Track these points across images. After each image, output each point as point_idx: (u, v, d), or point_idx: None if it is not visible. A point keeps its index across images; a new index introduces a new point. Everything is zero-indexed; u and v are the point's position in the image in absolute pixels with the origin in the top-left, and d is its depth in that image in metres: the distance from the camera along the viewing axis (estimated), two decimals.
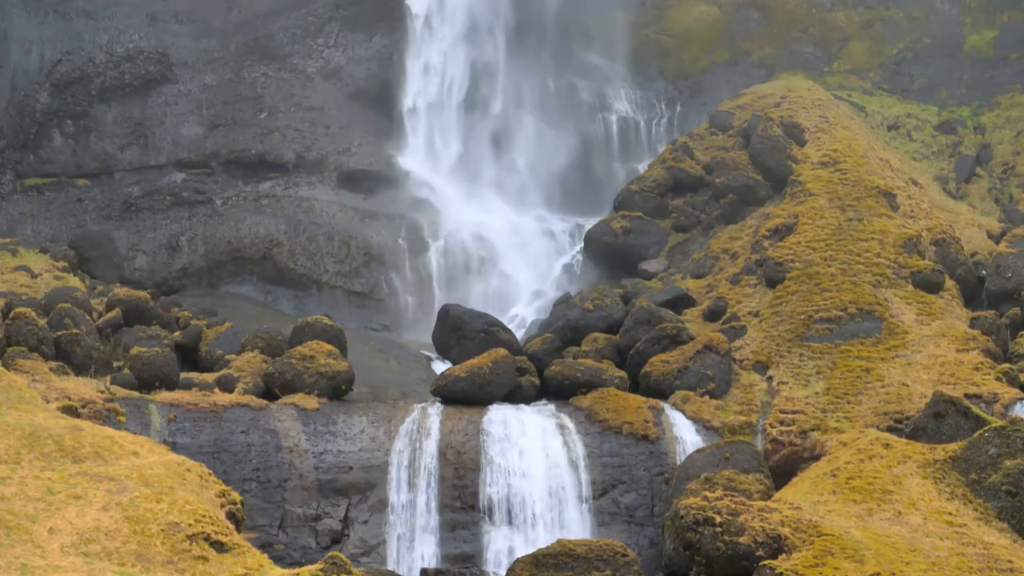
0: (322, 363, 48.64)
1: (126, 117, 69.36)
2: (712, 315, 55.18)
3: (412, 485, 45.92)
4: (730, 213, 62.43)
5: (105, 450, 36.31)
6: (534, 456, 46.40)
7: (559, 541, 39.52)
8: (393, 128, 71.84)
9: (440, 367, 54.95)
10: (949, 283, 55.20)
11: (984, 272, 56.69)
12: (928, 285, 54.32)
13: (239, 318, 57.14)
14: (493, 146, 73.92)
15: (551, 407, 48.91)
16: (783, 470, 46.03)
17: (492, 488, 45.81)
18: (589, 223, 66.94)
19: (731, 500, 38.49)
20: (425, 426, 46.95)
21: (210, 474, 37.39)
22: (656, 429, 47.42)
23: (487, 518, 45.57)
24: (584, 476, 46.33)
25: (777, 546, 37.16)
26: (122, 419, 44.24)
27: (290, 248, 66.71)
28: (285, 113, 70.51)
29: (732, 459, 44.76)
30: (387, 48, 72.68)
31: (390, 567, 44.60)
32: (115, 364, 48.82)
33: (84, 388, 45.19)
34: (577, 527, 45.48)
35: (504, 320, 56.94)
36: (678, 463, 46.29)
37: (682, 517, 38.19)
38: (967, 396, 46.70)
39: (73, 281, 59.13)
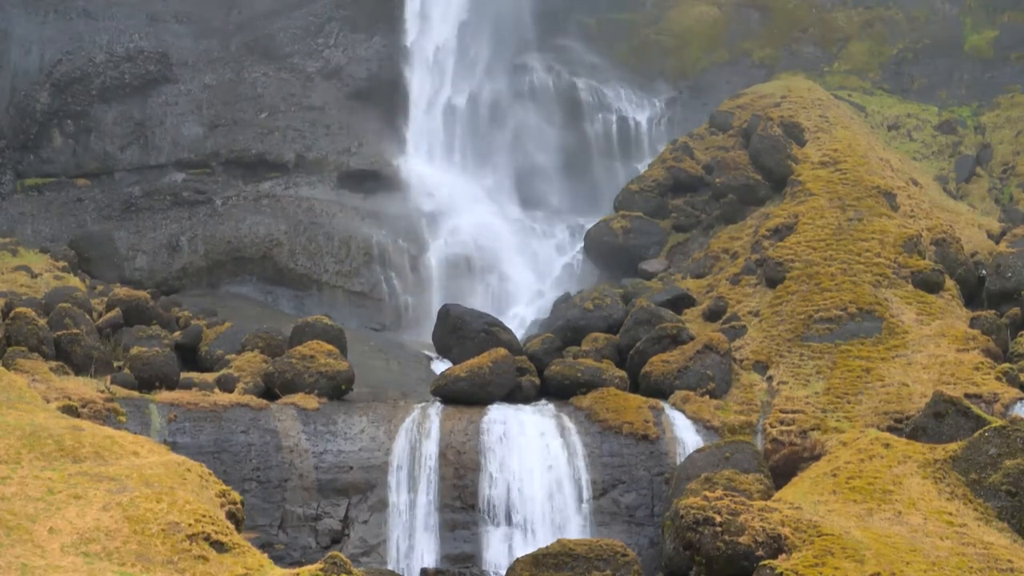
0: (322, 363, 48.64)
1: (126, 117, 69.38)
2: (712, 315, 55.18)
3: (412, 485, 45.94)
4: (730, 213, 62.41)
5: (105, 450, 36.32)
6: (534, 456, 46.40)
7: (559, 541, 39.52)
8: (393, 128, 71.84)
9: (440, 367, 54.95)
10: (949, 283, 55.19)
11: (984, 272, 56.67)
12: (928, 285, 54.31)
13: (239, 318, 57.15)
14: (493, 146, 73.94)
15: (551, 407, 48.91)
16: (783, 470, 46.03)
17: (492, 488, 45.81)
18: (589, 223, 66.91)
19: (731, 500, 38.49)
20: (425, 426, 46.95)
21: (210, 474, 37.38)
22: (656, 429, 47.42)
23: (487, 518, 45.58)
24: (584, 476, 46.34)
25: (777, 546, 37.16)
26: (122, 419, 44.24)
27: (290, 248, 66.73)
28: (285, 113, 70.52)
29: (732, 459, 44.76)
30: (387, 48, 72.70)
31: (390, 567, 44.61)
32: (115, 364, 48.81)
33: (84, 388, 45.19)
34: (577, 527, 45.48)
35: (504, 320, 56.93)
36: (678, 463, 46.29)
37: (682, 517, 38.19)
38: (967, 396, 46.71)
39: (73, 281, 59.13)
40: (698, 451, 45.96)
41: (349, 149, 70.28)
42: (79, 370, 47.37)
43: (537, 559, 38.91)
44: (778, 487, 43.99)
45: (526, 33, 76.99)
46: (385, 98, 72.05)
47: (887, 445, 42.68)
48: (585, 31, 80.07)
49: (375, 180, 69.85)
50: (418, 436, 46.67)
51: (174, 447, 42.78)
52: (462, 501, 45.77)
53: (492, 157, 73.60)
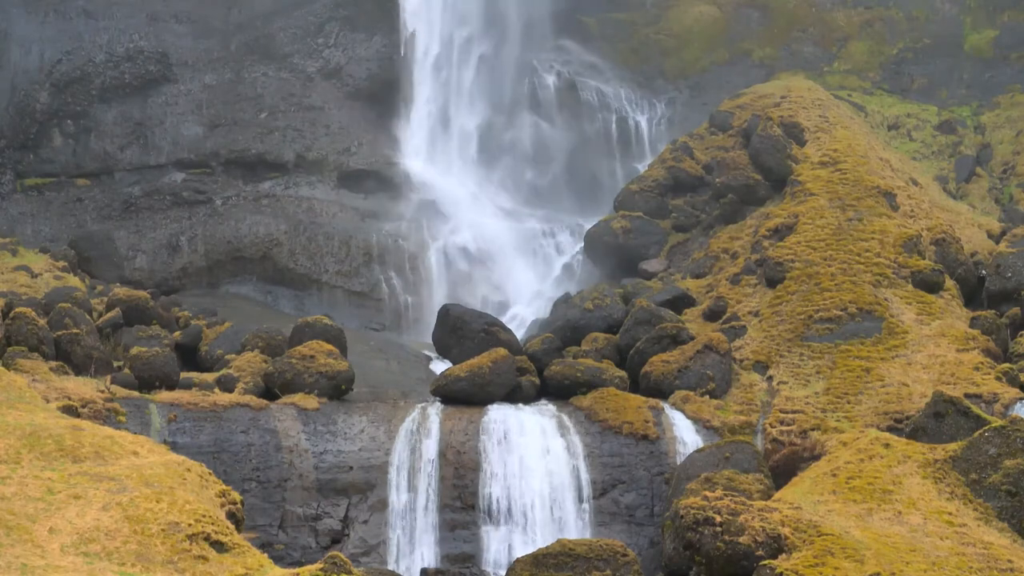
0: (322, 363, 48.65)
1: (126, 117, 69.39)
2: (712, 315, 55.17)
3: (412, 485, 45.93)
4: (730, 213, 62.40)
5: (105, 450, 36.33)
6: (534, 456, 46.40)
7: (559, 541, 39.52)
8: (393, 128, 71.86)
9: (440, 367, 54.95)
10: (949, 283, 55.19)
11: (984, 272, 56.65)
12: (928, 285, 54.31)
13: (239, 318, 57.16)
14: (493, 146, 73.94)
15: (551, 407, 48.91)
16: (783, 470, 46.03)
17: (492, 488, 45.81)
18: (589, 223, 66.91)
19: (731, 500, 38.50)
20: (425, 426, 46.96)
21: (210, 474, 37.40)
22: (656, 429, 47.42)
23: (487, 518, 45.58)
24: (584, 476, 46.33)
25: (777, 546, 37.17)
26: (122, 419, 44.25)
27: (290, 248, 66.77)
28: (285, 113, 70.55)
29: (732, 459, 44.76)
30: (387, 48, 72.72)
31: (390, 567, 44.60)
32: (115, 364, 48.83)
33: (84, 388, 45.20)
34: (577, 527, 45.48)
35: (504, 320, 56.94)
36: (678, 463, 46.28)
37: (682, 517, 38.20)
38: (967, 396, 46.72)
39: (73, 281, 59.15)
40: (698, 451, 45.96)
41: (349, 149, 70.30)
42: (79, 370, 47.37)
43: (537, 559, 38.91)
44: (778, 487, 43.99)
45: (526, 33, 76.98)
46: (385, 98, 72.07)
47: (887, 445, 42.69)
48: (585, 31, 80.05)
49: (375, 180, 69.86)
50: (418, 436, 46.67)
51: (174, 447, 42.79)
52: (462, 501, 45.77)
53: (492, 157, 73.59)
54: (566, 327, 54.38)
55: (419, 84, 73.53)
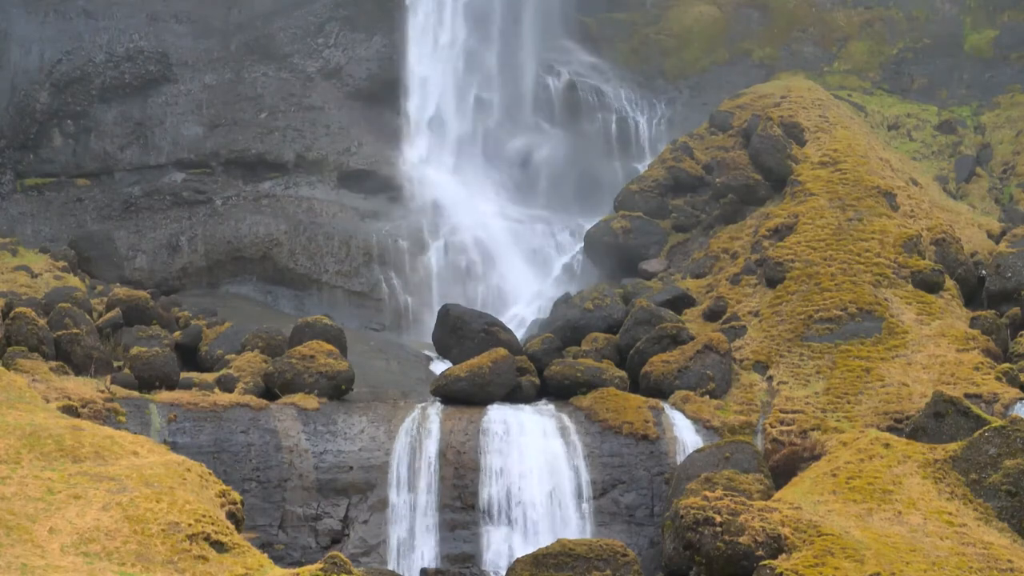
0: (322, 363, 48.65)
1: (126, 117, 69.37)
2: (712, 315, 55.17)
3: (412, 485, 45.94)
4: (730, 213, 62.41)
5: (105, 450, 36.33)
6: (534, 456, 46.40)
7: (559, 541, 39.52)
8: (393, 128, 71.84)
9: (440, 367, 54.95)
10: (949, 283, 55.19)
11: (984, 272, 56.65)
12: (928, 285, 54.31)
13: (239, 318, 57.16)
14: (493, 146, 73.92)
15: (551, 407, 48.91)
16: (783, 470, 46.04)
17: (492, 488, 45.80)
18: (589, 223, 66.90)
19: (731, 500, 38.50)
20: (425, 426, 46.96)
21: (210, 474, 37.41)
22: (656, 429, 47.41)
23: (487, 518, 45.58)
24: (584, 476, 46.33)
25: (777, 546, 37.17)
26: (122, 419, 44.25)
27: (290, 248, 66.76)
28: (285, 113, 70.53)
29: (732, 459, 44.77)
30: (387, 48, 72.70)
31: (390, 567, 44.61)
32: (115, 364, 48.83)
33: (84, 388, 45.20)
34: (577, 527, 45.48)
35: (504, 320, 56.92)
36: (678, 463, 46.28)
37: (682, 517, 38.20)
38: (967, 396, 46.72)
39: (73, 281, 59.14)
40: (698, 451, 45.96)
41: (349, 149, 70.29)
42: (79, 370, 47.37)
43: (537, 559, 38.91)
44: (778, 487, 43.99)
45: (526, 33, 76.96)
46: (385, 98, 72.07)
47: (887, 445, 42.70)
48: (585, 31, 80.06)
49: (375, 180, 69.85)
50: (418, 436, 46.67)
51: (174, 447, 42.79)
52: (462, 501, 45.77)
53: (492, 157, 73.56)
54: (566, 327, 54.39)
55: (418, 85, 73.40)
